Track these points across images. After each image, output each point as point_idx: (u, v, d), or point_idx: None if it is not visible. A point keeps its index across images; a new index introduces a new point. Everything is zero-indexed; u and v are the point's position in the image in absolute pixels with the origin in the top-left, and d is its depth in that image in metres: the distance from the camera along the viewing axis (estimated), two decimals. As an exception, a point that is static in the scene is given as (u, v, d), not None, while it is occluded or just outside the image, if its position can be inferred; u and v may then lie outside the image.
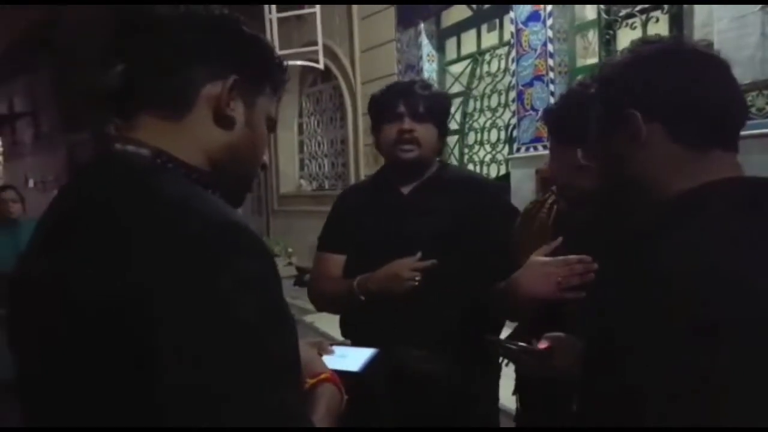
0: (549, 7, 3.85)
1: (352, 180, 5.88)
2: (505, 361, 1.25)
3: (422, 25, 5.23)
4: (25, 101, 14.06)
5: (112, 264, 0.56)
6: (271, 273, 0.62)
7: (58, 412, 0.60)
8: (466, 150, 5.13)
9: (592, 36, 3.85)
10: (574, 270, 1.17)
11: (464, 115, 5.11)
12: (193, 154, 0.69)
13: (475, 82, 4.97)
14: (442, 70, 5.29)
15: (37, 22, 10.26)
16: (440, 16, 5.24)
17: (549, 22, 3.86)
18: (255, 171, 0.78)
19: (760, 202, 0.69)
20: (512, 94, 4.32)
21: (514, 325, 1.40)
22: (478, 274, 1.41)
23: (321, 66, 5.97)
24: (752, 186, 0.71)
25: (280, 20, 5.95)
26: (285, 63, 0.79)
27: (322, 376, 0.77)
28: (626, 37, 3.54)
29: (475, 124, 4.99)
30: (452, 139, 5.27)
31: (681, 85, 0.72)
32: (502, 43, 4.63)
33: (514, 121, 4.32)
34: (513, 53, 4.19)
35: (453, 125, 5.24)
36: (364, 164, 5.94)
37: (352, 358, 0.92)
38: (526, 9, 4.00)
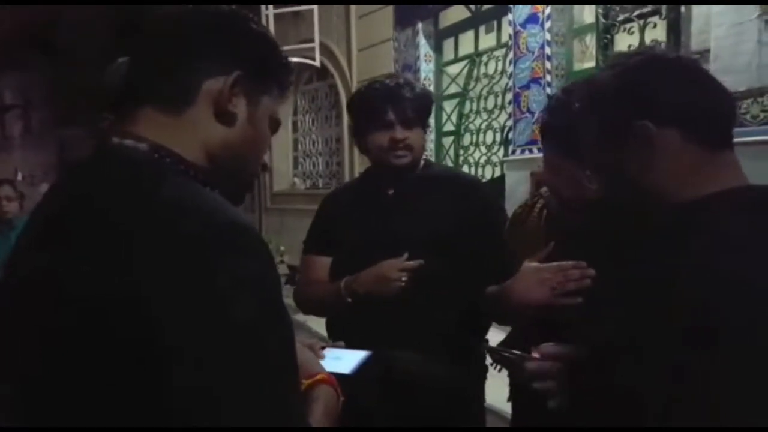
0: (547, 10, 3.85)
1: (347, 179, 5.86)
2: (498, 366, 1.24)
3: (420, 26, 5.22)
4: (16, 95, 13.95)
5: (108, 262, 0.56)
6: (270, 273, 0.61)
7: (54, 413, 0.59)
8: (461, 151, 5.12)
9: (590, 40, 3.85)
10: (569, 276, 1.16)
11: (460, 116, 5.11)
12: (192, 149, 0.68)
13: (472, 84, 4.97)
14: (439, 70, 5.28)
15: (32, 18, 10.18)
16: (438, 17, 5.23)
17: (547, 25, 3.86)
18: (255, 169, 0.77)
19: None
20: (509, 96, 4.32)
21: (507, 329, 1.40)
22: (465, 273, 1.41)
23: (317, 63, 5.95)
24: (763, 194, 0.71)
25: (277, 16, 5.92)
26: (291, 63, 0.78)
27: (319, 377, 0.77)
28: (624, 42, 3.55)
29: (471, 126, 4.98)
30: (448, 140, 5.27)
31: (684, 89, 0.72)
32: (499, 45, 4.63)
33: (510, 123, 4.32)
34: (510, 55, 4.19)
35: (449, 126, 5.25)
36: (358, 163, 5.91)
37: (344, 361, 0.92)
38: (524, 11, 4.00)
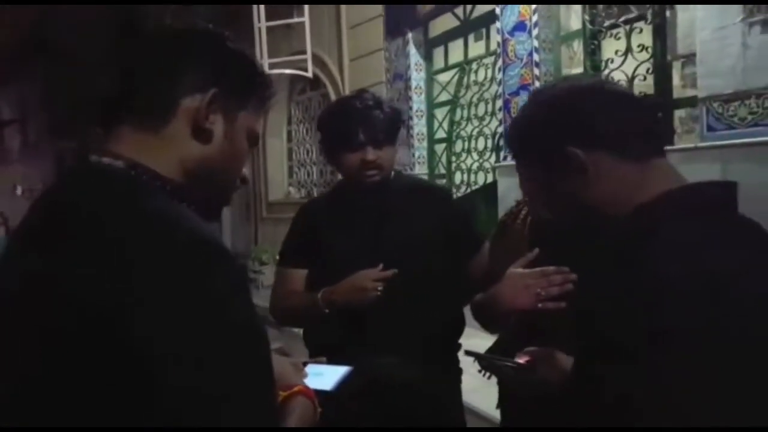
0: (535, 17, 3.88)
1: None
2: (487, 374, 1.25)
3: (410, 35, 5.26)
4: (14, 109, 13.97)
5: (78, 274, 0.57)
6: (242, 286, 0.62)
7: (43, 416, 0.60)
8: (453, 158, 5.14)
9: (578, 46, 3.88)
10: (552, 281, 1.18)
11: (452, 123, 5.13)
12: (169, 165, 0.69)
13: (463, 91, 4.99)
14: (430, 78, 5.32)
15: (29, 31, 10.21)
16: (428, 26, 5.27)
17: (535, 32, 3.89)
18: (232, 184, 0.78)
19: (722, 205, 0.73)
20: (499, 103, 4.34)
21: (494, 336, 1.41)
22: (438, 279, 1.46)
23: (310, 74, 5.98)
24: (710, 189, 0.75)
25: (270, 29, 5.95)
26: (270, 78, 0.80)
27: (296, 388, 0.78)
28: (611, 47, 3.58)
29: (463, 133, 5.01)
30: (440, 147, 5.30)
31: (606, 113, 0.77)
32: (489, 53, 4.66)
33: (501, 129, 4.34)
34: (499, 63, 4.22)
35: (441, 133, 5.27)
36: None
37: (326, 377, 0.92)
38: (512, 19, 4.04)
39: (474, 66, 4.87)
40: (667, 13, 3.27)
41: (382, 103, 1.52)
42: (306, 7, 5.90)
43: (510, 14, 4.06)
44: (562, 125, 0.78)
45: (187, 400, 0.55)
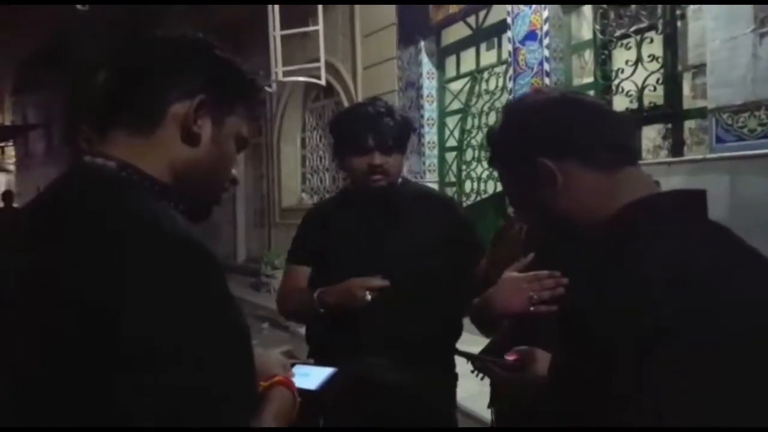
0: (546, 27, 3.90)
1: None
2: (480, 375, 1.27)
3: (423, 43, 5.30)
4: (38, 113, 14.25)
5: (67, 271, 0.59)
6: (223, 284, 0.65)
7: (32, 412, 0.61)
8: (463, 166, 5.15)
9: (588, 55, 3.89)
10: (545, 285, 1.19)
11: (462, 131, 5.15)
12: (159, 168, 0.72)
13: (474, 100, 5.01)
14: (442, 87, 5.34)
15: (52, 37, 10.44)
16: (440, 35, 5.30)
17: (546, 41, 3.90)
18: (220, 187, 0.81)
19: (692, 209, 0.74)
20: (510, 112, 4.35)
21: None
22: (438, 284, 1.49)
23: (323, 82, 6.04)
24: (681, 196, 0.76)
25: (284, 37, 6.03)
26: (259, 85, 0.83)
27: (276, 379, 0.79)
28: (621, 57, 3.58)
29: (473, 141, 5.02)
30: (450, 156, 5.31)
31: (576, 124, 0.78)
32: (500, 62, 4.68)
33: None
34: (510, 72, 4.23)
35: (452, 142, 5.29)
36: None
37: (312, 377, 0.94)
38: (523, 28, 4.05)
39: (485, 75, 4.89)
40: (678, 23, 3.27)
41: (393, 111, 1.56)
42: (320, 15, 5.97)
43: (521, 23, 4.07)
44: (533, 137, 0.80)
45: (167, 395, 0.56)
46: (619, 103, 3.59)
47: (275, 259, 7.23)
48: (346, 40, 6.20)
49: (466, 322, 1.48)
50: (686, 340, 0.61)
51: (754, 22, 2.76)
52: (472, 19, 4.92)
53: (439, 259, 1.51)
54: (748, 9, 2.78)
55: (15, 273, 0.65)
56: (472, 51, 5.04)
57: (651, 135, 3.69)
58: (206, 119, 0.75)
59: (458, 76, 5.22)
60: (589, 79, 3.83)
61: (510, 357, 1.12)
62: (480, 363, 1.19)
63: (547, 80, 3.90)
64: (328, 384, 0.95)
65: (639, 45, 3.43)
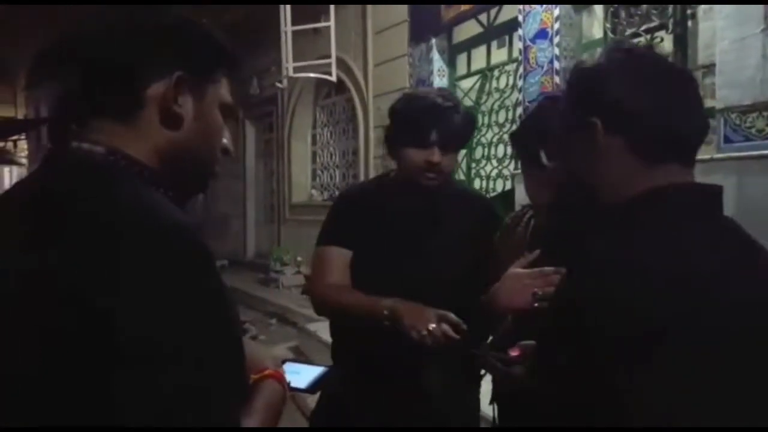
0: (557, 25, 3.90)
1: (362, 191, 5.94)
2: (483, 371, 1.29)
3: (434, 41, 5.30)
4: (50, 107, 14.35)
5: (55, 262, 0.57)
6: (215, 275, 0.63)
7: (21, 412, 0.60)
8: (473, 164, 5.17)
9: (599, 54, 3.88)
10: (549, 281, 1.20)
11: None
12: (145, 153, 0.69)
13: (484, 98, 5.02)
14: (453, 85, 5.35)
15: (65, 31, 10.51)
16: (452, 32, 5.31)
17: (556, 39, 3.91)
18: (212, 160, 0.77)
19: (705, 205, 0.72)
20: (519, 111, 4.36)
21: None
22: (474, 288, 1.39)
23: (334, 78, 6.06)
24: (697, 191, 0.74)
25: (296, 33, 6.06)
26: (229, 44, 0.77)
27: (266, 372, 0.77)
28: (631, 57, 3.58)
29: (483, 139, 5.03)
30: (460, 153, 5.30)
31: (648, 103, 0.74)
32: (511, 60, 4.69)
33: (520, 136, 4.35)
34: (521, 70, 4.24)
35: (461, 139, 5.29)
36: (374, 175, 6.00)
37: (302, 375, 0.93)
38: (534, 26, 4.06)
39: (496, 73, 4.90)
40: (689, 23, 3.27)
41: (460, 107, 1.45)
42: (332, 12, 6.00)
43: (532, 22, 4.08)
44: (597, 93, 0.76)
45: (155, 389, 0.55)
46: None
47: (284, 255, 7.27)
48: (357, 37, 6.22)
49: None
50: (680, 340, 0.60)
51: (765, 22, 2.76)
52: (483, 17, 4.93)
53: (475, 261, 1.43)
54: (758, 9, 2.77)
55: (5, 267, 0.61)
56: (483, 49, 5.05)
57: (660, 134, 3.68)
58: (187, 96, 0.71)
59: (469, 74, 5.23)
60: (599, 78, 3.83)
61: (513, 352, 1.14)
62: (483, 359, 1.21)
63: (557, 78, 3.90)
64: (319, 383, 0.94)
65: (649, 44, 3.43)
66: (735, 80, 2.86)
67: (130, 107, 0.69)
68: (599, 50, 3.86)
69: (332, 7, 6.01)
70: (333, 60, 5.92)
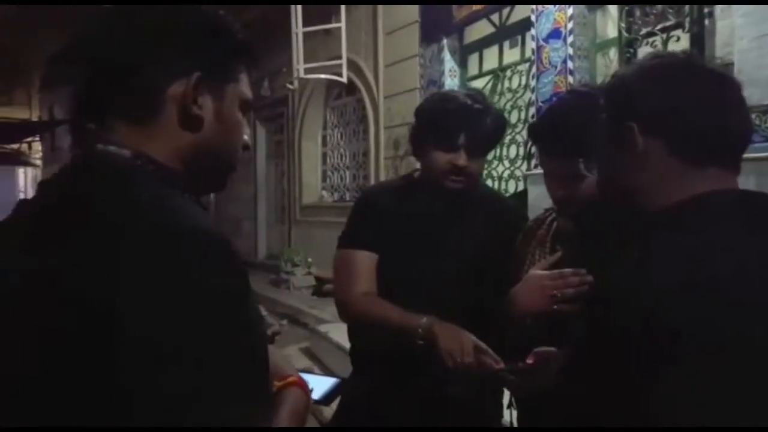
0: (570, 25, 3.86)
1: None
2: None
3: (445, 41, 5.28)
4: (65, 109, 14.52)
5: (89, 264, 0.57)
6: (242, 281, 0.62)
7: (31, 412, 0.60)
8: (485, 165, 5.12)
9: (613, 54, 3.84)
10: (569, 283, 1.18)
11: (484, 130, 5.11)
12: (166, 155, 0.68)
13: (496, 98, 4.98)
14: (464, 85, 5.31)
15: (75, 36, 10.60)
16: (463, 32, 5.28)
17: (570, 39, 3.86)
18: (234, 158, 0.76)
19: (749, 213, 0.70)
20: (532, 111, 4.32)
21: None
22: (496, 291, 1.36)
23: (344, 80, 6.05)
24: (741, 198, 0.72)
25: (307, 34, 6.06)
26: (249, 40, 0.75)
27: (290, 379, 0.77)
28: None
29: (495, 140, 4.99)
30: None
31: (685, 103, 0.73)
32: (523, 60, 4.65)
33: (533, 137, 4.31)
34: (533, 70, 4.20)
35: (473, 140, 5.25)
36: (384, 176, 5.98)
37: (315, 387, 0.92)
38: (547, 26, 4.02)
39: (508, 73, 4.86)
40: (706, 22, 3.21)
41: (491, 110, 1.41)
42: (343, 12, 5.99)
43: (545, 21, 4.04)
44: (632, 97, 0.76)
45: (177, 394, 0.54)
46: (644, 103, 3.55)
47: (295, 257, 7.28)
48: (368, 38, 6.21)
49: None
50: (698, 346, 0.60)
51: (785, 20, 2.71)
52: (495, 17, 4.90)
53: (500, 266, 1.39)
54: (778, 7, 2.72)
55: (32, 269, 0.61)
56: (495, 49, 5.02)
57: (676, 135, 3.63)
58: (206, 96, 0.69)
59: (481, 74, 5.20)
60: (614, 78, 3.78)
61: (529, 360, 1.11)
62: (494, 378, 1.19)
63: (570, 79, 3.86)
64: (332, 394, 0.94)
65: (665, 43, 3.38)
66: (754, 79, 2.80)
67: (149, 109, 0.68)
68: (613, 50, 3.83)
69: (343, 7, 6.00)
70: (344, 61, 5.91)
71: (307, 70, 6.11)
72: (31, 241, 0.63)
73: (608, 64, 3.94)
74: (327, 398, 0.93)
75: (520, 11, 4.50)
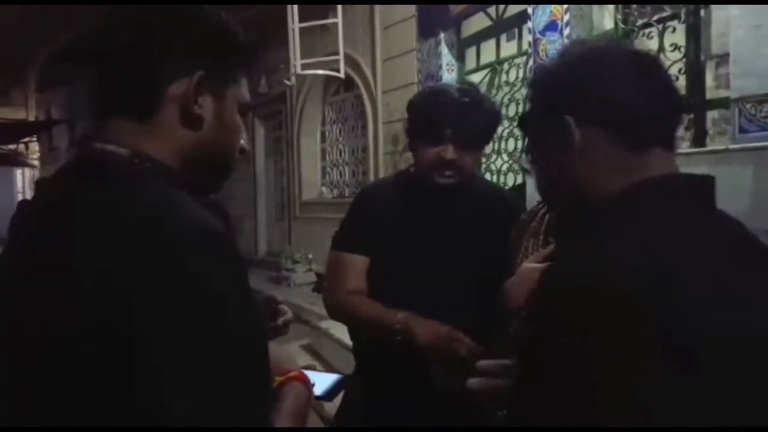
0: (566, 17, 3.86)
1: (372, 188, 5.92)
2: None
3: (442, 35, 5.27)
4: (62, 109, 14.50)
5: (83, 266, 0.58)
6: (241, 277, 0.63)
7: (30, 412, 0.60)
8: (483, 159, 5.13)
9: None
10: None
11: (483, 124, 5.11)
12: (165, 153, 0.69)
13: (494, 91, 4.98)
14: (462, 79, 5.31)
15: (77, 34, 10.61)
16: (460, 26, 5.27)
17: (566, 31, 3.86)
18: (230, 162, 0.77)
19: (695, 197, 0.68)
20: (530, 104, 4.32)
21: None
22: (492, 287, 1.36)
23: (342, 75, 6.05)
24: (687, 182, 0.70)
25: (304, 30, 6.05)
26: (251, 42, 0.76)
27: (291, 374, 0.78)
28: (643, 47, 3.53)
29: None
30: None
31: (619, 90, 0.70)
32: (520, 53, 4.65)
33: (531, 130, 4.31)
34: (531, 62, 4.20)
35: (471, 134, 5.25)
36: (383, 172, 5.99)
37: (318, 383, 0.93)
38: (543, 18, 4.02)
39: (506, 66, 4.86)
40: (702, 12, 3.22)
41: (481, 103, 1.39)
42: (339, 8, 5.98)
43: (542, 14, 4.04)
44: (562, 89, 0.73)
45: (179, 391, 0.54)
46: (641, 94, 3.55)
47: (296, 253, 7.29)
48: (365, 33, 6.20)
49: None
50: (654, 335, 0.56)
51: (780, 9, 2.71)
52: (492, 10, 4.89)
53: (496, 262, 1.37)
54: (774, -3, 2.73)
55: (27, 267, 0.62)
56: (492, 42, 5.01)
57: (673, 126, 3.64)
58: (207, 96, 0.70)
59: (478, 68, 5.19)
60: (611, 70, 3.79)
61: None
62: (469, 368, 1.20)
63: (567, 71, 3.86)
64: (335, 390, 0.96)
65: (661, 34, 3.38)
66: (751, 69, 2.81)
67: (150, 107, 0.68)
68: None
69: (339, 4, 5.99)
70: (341, 56, 5.91)
71: (305, 66, 6.11)
72: (31, 240, 0.64)
73: (605, 56, 3.95)
74: (329, 394, 0.94)
75: (517, 4, 4.50)
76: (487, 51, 5.10)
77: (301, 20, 6.03)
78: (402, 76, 5.69)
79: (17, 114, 15.62)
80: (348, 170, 7.42)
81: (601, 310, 0.58)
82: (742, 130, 2.83)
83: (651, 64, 0.75)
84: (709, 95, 3.27)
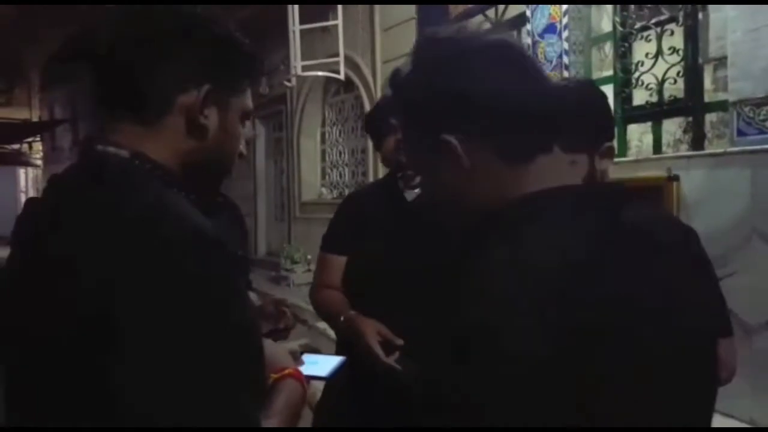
0: (565, 19, 3.86)
1: (371, 189, 5.93)
2: None
3: (442, 37, 5.28)
4: (65, 107, 14.55)
5: (80, 265, 0.59)
6: (231, 278, 0.64)
7: (27, 406, 0.62)
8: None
9: (608, 48, 3.84)
10: None
11: (482, 125, 5.12)
12: (167, 157, 0.71)
13: (493, 94, 4.99)
14: (461, 81, 5.33)
15: (80, 33, 10.64)
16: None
17: (565, 34, 3.87)
18: (230, 166, 0.80)
19: (580, 209, 0.63)
20: (528, 106, 4.33)
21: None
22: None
23: (342, 77, 6.06)
24: (570, 194, 0.65)
25: (304, 32, 6.06)
26: (258, 56, 0.79)
27: (286, 371, 0.79)
28: (641, 50, 3.54)
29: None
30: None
31: (498, 104, 0.64)
32: (519, 55, 4.65)
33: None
34: (529, 65, 4.21)
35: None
36: (382, 173, 6.01)
37: (321, 365, 0.98)
38: (542, 21, 4.03)
39: (505, 68, 4.86)
40: (700, 15, 3.22)
41: None
42: (340, 10, 5.99)
43: (540, 16, 4.04)
44: (447, 109, 0.66)
45: (172, 392, 0.55)
46: (639, 97, 3.55)
47: (295, 254, 7.29)
48: (365, 35, 6.21)
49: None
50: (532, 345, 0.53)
51: (778, 13, 2.71)
52: (491, 12, 4.90)
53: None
54: (771, -1, 2.73)
55: (32, 266, 0.64)
56: (491, 44, 5.02)
57: (671, 128, 3.64)
58: (213, 107, 0.73)
59: (477, 70, 5.20)
60: (609, 72, 3.79)
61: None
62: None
63: (566, 73, 3.86)
64: (338, 371, 0.99)
65: (659, 37, 3.39)
66: (748, 72, 2.81)
67: (157, 113, 0.71)
68: (608, 44, 3.83)
69: (340, 5, 6.00)
70: (341, 58, 5.92)
71: (305, 68, 6.12)
72: (35, 239, 0.66)
73: (603, 59, 3.95)
74: (334, 375, 0.99)
75: (516, 7, 4.50)
76: (487, 53, 5.10)
77: (301, 22, 6.04)
78: (402, 78, 5.69)
79: (21, 114, 15.67)
80: (348, 171, 7.43)
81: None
82: (740, 133, 2.83)
83: (530, 67, 0.68)
84: (707, 98, 3.27)
